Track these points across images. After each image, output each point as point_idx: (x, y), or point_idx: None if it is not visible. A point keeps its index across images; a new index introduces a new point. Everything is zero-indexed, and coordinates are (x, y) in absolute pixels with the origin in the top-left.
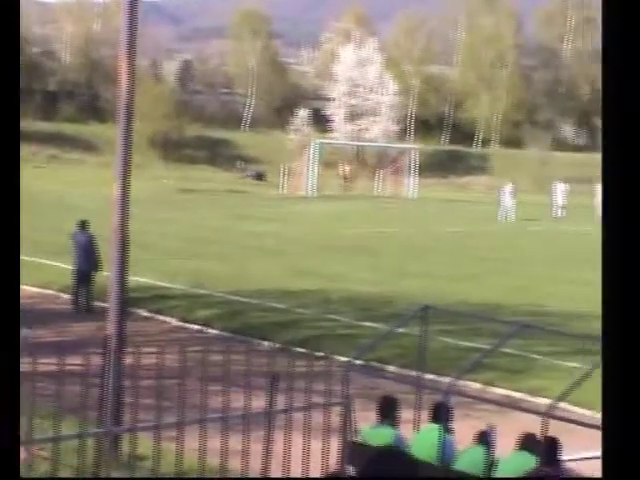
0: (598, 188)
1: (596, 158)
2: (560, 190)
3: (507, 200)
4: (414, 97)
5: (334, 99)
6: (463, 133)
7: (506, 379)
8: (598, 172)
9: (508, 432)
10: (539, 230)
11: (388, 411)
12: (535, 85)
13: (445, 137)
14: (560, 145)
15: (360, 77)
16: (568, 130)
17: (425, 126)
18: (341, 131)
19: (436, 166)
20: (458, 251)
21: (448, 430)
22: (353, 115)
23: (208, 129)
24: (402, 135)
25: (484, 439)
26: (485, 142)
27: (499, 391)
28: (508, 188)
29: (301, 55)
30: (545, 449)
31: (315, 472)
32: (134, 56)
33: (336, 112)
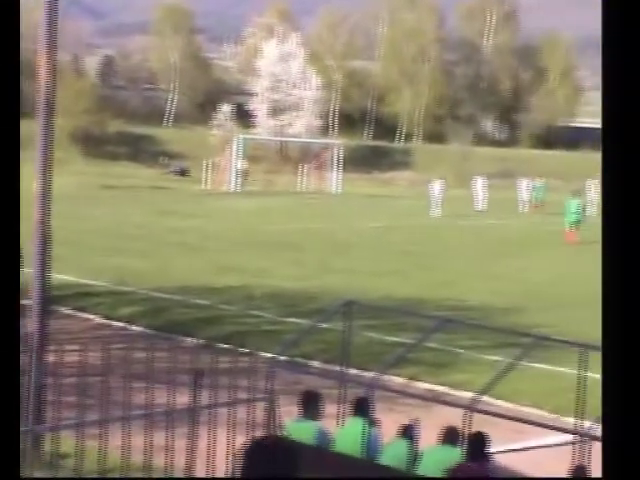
0: (521, 183)
1: (516, 153)
2: (481, 185)
3: (436, 195)
4: (337, 92)
5: (257, 94)
6: (386, 128)
7: (430, 373)
8: (519, 166)
9: (432, 426)
10: (462, 224)
11: (310, 405)
12: (457, 80)
13: (368, 132)
14: (482, 140)
15: (283, 72)
16: (489, 125)
17: (348, 121)
18: (264, 126)
19: (360, 161)
20: (382, 246)
21: (372, 424)
22: (276, 110)
23: (131, 125)
24: (325, 130)
25: (408, 433)
26: (408, 137)
27: (423, 385)
28: (437, 183)
29: (224, 50)
30: (472, 443)
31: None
32: (55, 51)
33: (259, 107)
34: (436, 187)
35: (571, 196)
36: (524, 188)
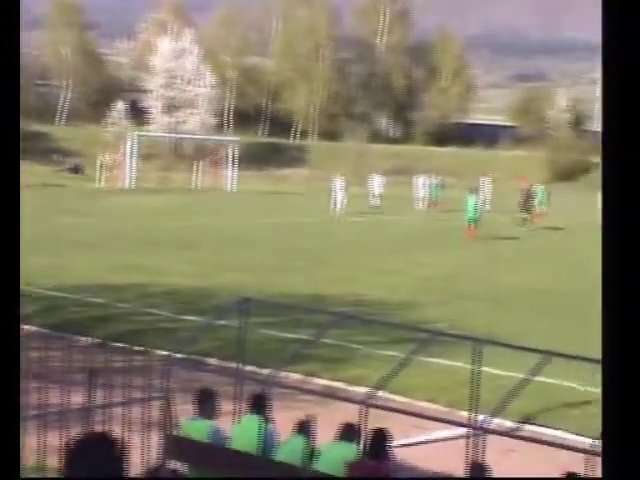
0: (417, 180)
1: (411, 150)
2: (377, 181)
3: (338, 192)
4: (232, 89)
5: (151, 91)
6: (281, 125)
7: (327, 369)
8: (414, 163)
9: (329, 422)
10: (359, 221)
11: (205, 404)
12: (351, 78)
13: (263, 129)
14: (376, 137)
15: (177, 69)
16: (384, 122)
17: (243, 118)
18: (159, 123)
19: (255, 158)
20: (279, 243)
21: (268, 421)
22: (171, 107)
23: (23, 121)
24: (220, 127)
25: (304, 429)
26: (303, 134)
27: (320, 381)
28: (339, 180)
29: (117, 47)
30: (371, 440)
31: (135, 467)
32: None
33: (154, 104)
34: (338, 184)
35: (469, 193)
36: (420, 185)
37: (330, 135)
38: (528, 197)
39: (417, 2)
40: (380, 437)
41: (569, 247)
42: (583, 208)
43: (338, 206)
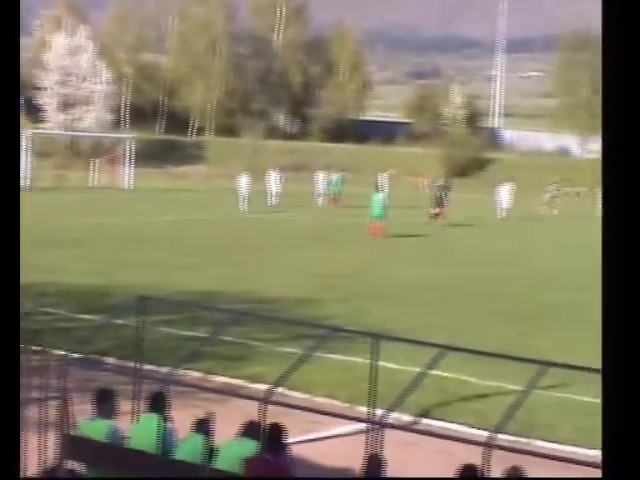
0: (318, 176)
1: (308, 146)
2: (274, 178)
3: (243, 189)
4: (128, 86)
5: (46, 88)
6: (179, 122)
7: (226, 367)
8: (312, 159)
9: (229, 419)
10: (257, 218)
11: (104, 403)
12: (248, 74)
13: (161, 126)
14: (274, 133)
15: (72, 66)
16: (281, 119)
17: (141, 115)
18: (54, 121)
19: (152, 155)
20: (176, 240)
21: (167, 420)
22: (66, 104)
23: None
24: (117, 124)
25: (203, 427)
26: (200, 131)
27: (219, 379)
28: (244, 177)
29: None
30: (267, 435)
31: (32, 467)
32: None
33: (49, 101)
34: (243, 181)
35: (376, 191)
36: (321, 181)
37: (228, 131)
38: (440, 193)
39: None
40: (275, 432)
41: (474, 243)
42: (483, 204)
43: (245, 203)
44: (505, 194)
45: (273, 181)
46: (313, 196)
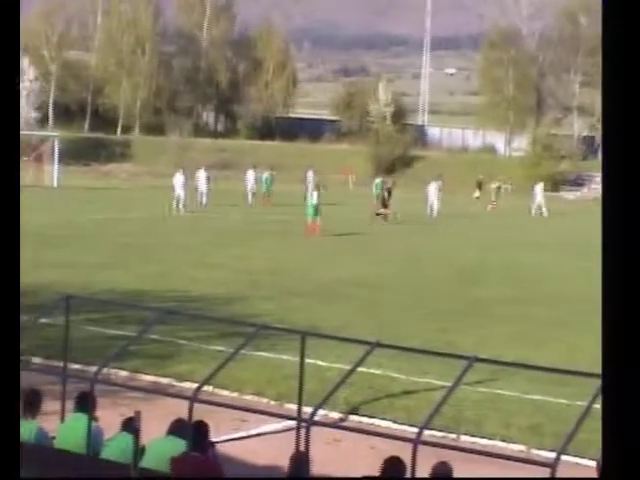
0: (249, 174)
1: (236, 144)
2: (202, 176)
3: (178, 188)
4: (54, 83)
5: None
6: (105, 120)
7: (153, 365)
8: (240, 157)
9: (157, 418)
10: (185, 216)
11: (30, 404)
12: (175, 72)
13: (87, 124)
14: (201, 131)
15: None
16: (208, 116)
17: (66, 113)
18: None
19: (79, 153)
20: (102, 239)
21: (94, 419)
22: None
23: None
24: (42, 122)
25: (130, 426)
26: (127, 129)
27: (147, 378)
28: (179, 175)
29: None
30: (194, 433)
31: None
32: None
33: None
34: (177, 180)
35: (313, 189)
36: (251, 179)
37: (155, 129)
38: (384, 194)
39: None
40: (202, 430)
41: (403, 241)
42: (411, 201)
43: (180, 202)
44: (434, 191)
45: (202, 180)
46: (243, 194)
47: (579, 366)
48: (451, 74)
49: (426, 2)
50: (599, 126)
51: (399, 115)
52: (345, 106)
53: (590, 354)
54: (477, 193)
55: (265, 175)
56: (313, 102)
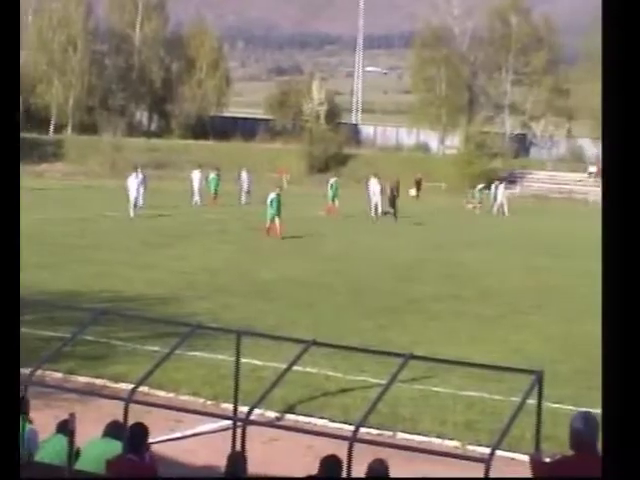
0: (194, 174)
1: (171, 143)
2: (138, 177)
3: (131, 189)
4: None
5: None
6: (37, 119)
7: (88, 367)
8: (173, 157)
9: (93, 419)
10: (120, 216)
11: None
12: (107, 71)
13: (20, 123)
14: (134, 130)
15: None
16: (142, 115)
17: None
18: None
19: None
20: (35, 239)
21: (28, 421)
22: None
23: None
24: None
25: (64, 428)
26: (60, 128)
27: (81, 379)
28: (133, 177)
29: None
30: (130, 435)
31: None
32: None
33: None
34: (131, 181)
35: (273, 190)
36: (197, 180)
37: (88, 129)
38: (392, 193)
39: None
40: (138, 431)
41: (342, 239)
42: (348, 199)
43: (135, 203)
44: (377, 190)
45: (139, 181)
46: (181, 194)
47: (513, 362)
48: (384, 73)
49: (359, 1)
50: (531, 124)
51: (333, 114)
52: (279, 105)
53: (524, 350)
54: (414, 191)
55: (212, 175)
56: (247, 101)
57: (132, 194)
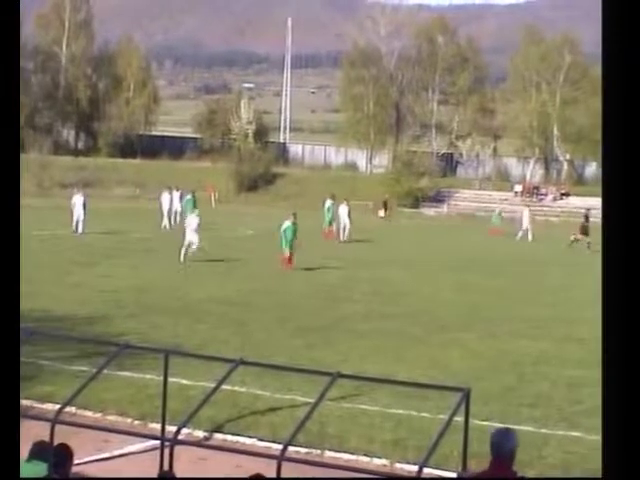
0: (164, 196)
1: (96, 162)
2: (78, 202)
3: (79, 207)
4: None
5: None
6: None
7: None
8: (100, 175)
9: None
10: (47, 235)
11: None
12: (33, 88)
13: None
14: (61, 149)
15: None
16: (68, 134)
17: None
18: None
19: None
20: None
21: None
22: None
23: None
24: None
25: None
26: None
27: None
28: (79, 196)
29: None
30: (55, 456)
31: None
32: None
33: None
34: (77, 200)
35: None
36: (167, 202)
37: None
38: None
39: (100, 12)
40: (63, 452)
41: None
42: (273, 218)
43: (79, 223)
44: (345, 211)
45: (79, 205)
46: (104, 213)
47: (437, 380)
48: (312, 92)
49: (287, 20)
50: (457, 143)
51: (261, 132)
52: (207, 124)
53: (449, 368)
54: (382, 212)
55: (187, 197)
56: (175, 120)
57: (77, 213)
